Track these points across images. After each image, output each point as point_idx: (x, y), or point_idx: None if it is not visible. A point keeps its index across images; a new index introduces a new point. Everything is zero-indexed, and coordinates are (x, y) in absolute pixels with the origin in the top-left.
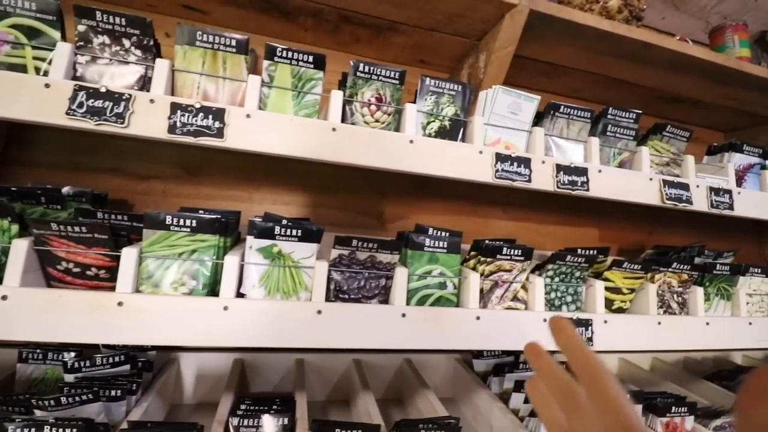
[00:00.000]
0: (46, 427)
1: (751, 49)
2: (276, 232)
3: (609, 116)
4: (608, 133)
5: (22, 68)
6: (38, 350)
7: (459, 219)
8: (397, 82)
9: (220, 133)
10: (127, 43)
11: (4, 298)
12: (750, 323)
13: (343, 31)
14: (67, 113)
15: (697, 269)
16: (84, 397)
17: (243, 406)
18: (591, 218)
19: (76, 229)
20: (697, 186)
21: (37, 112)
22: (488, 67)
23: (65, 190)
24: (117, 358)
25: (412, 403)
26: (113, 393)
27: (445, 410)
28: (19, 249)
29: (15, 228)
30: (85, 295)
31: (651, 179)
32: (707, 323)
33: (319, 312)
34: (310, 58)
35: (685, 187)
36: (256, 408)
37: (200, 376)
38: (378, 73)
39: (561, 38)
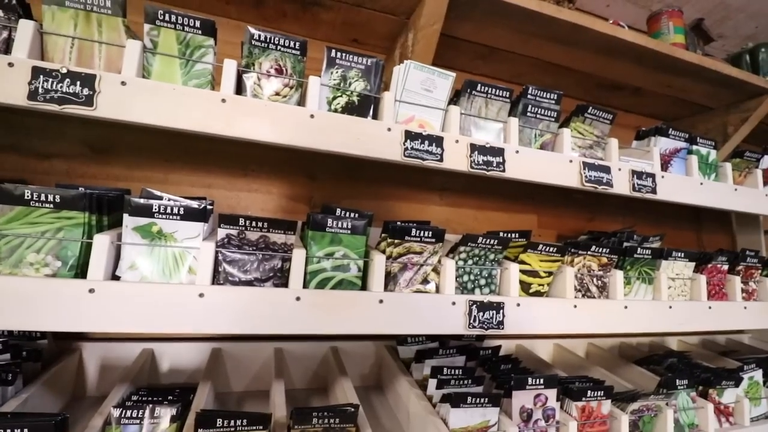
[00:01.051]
0: None
1: (686, 35)
2: (154, 210)
3: (529, 96)
4: (529, 114)
5: None
6: None
7: (394, 204)
8: (297, 52)
9: (89, 101)
10: None
11: None
12: (670, 307)
13: (266, 4)
14: None
15: (617, 253)
16: None
17: (135, 397)
18: (530, 204)
19: None
20: (619, 169)
21: None
22: (416, 46)
23: None
24: None
25: (332, 393)
26: None
27: (357, 398)
28: None
29: None
30: None
31: (571, 161)
32: (625, 307)
33: (202, 295)
34: (197, 23)
35: (606, 169)
36: (147, 399)
37: (106, 367)
38: (276, 42)
39: (490, 17)
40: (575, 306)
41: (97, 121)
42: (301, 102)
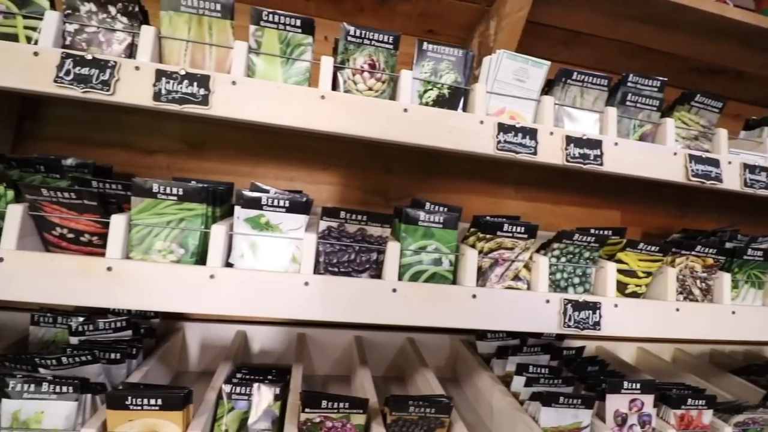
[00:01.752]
0: (44, 383)
1: None
2: (263, 203)
3: (629, 84)
4: (628, 103)
5: (13, 37)
6: (49, 314)
7: (468, 198)
8: (391, 47)
9: (205, 101)
10: (113, 10)
11: (1, 260)
12: None
13: (344, 0)
14: (55, 81)
15: (725, 253)
16: (84, 358)
17: (239, 375)
18: (612, 199)
19: (66, 195)
20: (729, 162)
21: (27, 80)
22: (499, 35)
23: (69, 161)
24: (119, 323)
25: (412, 382)
26: (113, 356)
27: (441, 389)
28: (15, 213)
29: (11, 193)
30: (76, 259)
31: (675, 154)
32: (733, 312)
33: (307, 284)
34: (298, 22)
35: (715, 163)
36: (251, 377)
37: (204, 346)
38: (371, 37)
39: (580, 0)
40: (677, 309)
41: (192, 119)
42: (393, 96)
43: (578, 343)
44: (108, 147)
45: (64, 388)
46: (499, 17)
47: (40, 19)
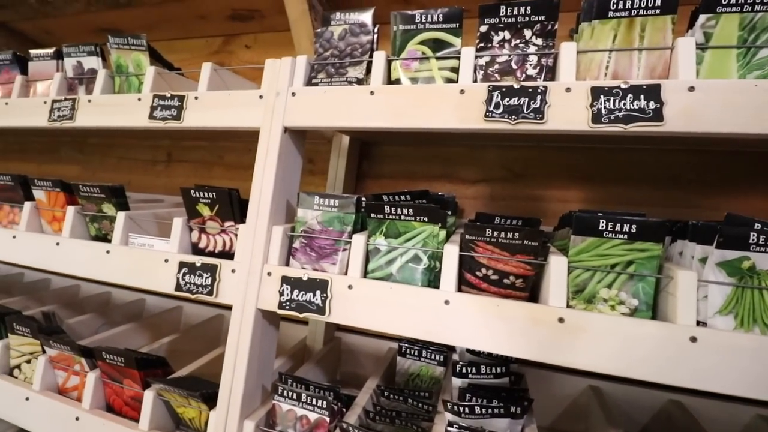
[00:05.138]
0: None
1: None
2: (751, 241)
3: None
4: None
5: (429, 80)
6: (414, 347)
7: None
8: None
9: (657, 116)
10: (527, 33)
11: (447, 302)
12: None
13: None
14: (486, 116)
15: None
16: (495, 411)
17: None
18: None
19: (509, 235)
20: None
21: (457, 118)
22: None
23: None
24: (499, 369)
25: None
26: (514, 410)
27: None
28: (452, 255)
29: (442, 234)
30: (524, 306)
31: None
32: None
33: None
34: None
35: None
36: None
37: (554, 398)
38: None
39: None
40: None
41: (514, 145)
42: None
43: None
44: (433, 179)
45: None
46: None
47: (449, 57)
